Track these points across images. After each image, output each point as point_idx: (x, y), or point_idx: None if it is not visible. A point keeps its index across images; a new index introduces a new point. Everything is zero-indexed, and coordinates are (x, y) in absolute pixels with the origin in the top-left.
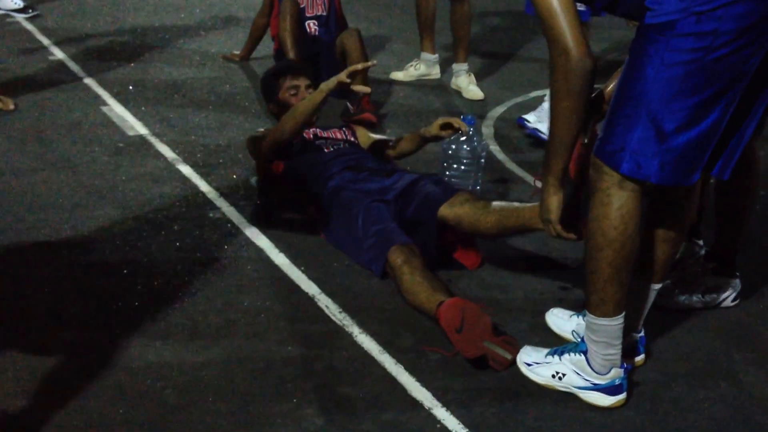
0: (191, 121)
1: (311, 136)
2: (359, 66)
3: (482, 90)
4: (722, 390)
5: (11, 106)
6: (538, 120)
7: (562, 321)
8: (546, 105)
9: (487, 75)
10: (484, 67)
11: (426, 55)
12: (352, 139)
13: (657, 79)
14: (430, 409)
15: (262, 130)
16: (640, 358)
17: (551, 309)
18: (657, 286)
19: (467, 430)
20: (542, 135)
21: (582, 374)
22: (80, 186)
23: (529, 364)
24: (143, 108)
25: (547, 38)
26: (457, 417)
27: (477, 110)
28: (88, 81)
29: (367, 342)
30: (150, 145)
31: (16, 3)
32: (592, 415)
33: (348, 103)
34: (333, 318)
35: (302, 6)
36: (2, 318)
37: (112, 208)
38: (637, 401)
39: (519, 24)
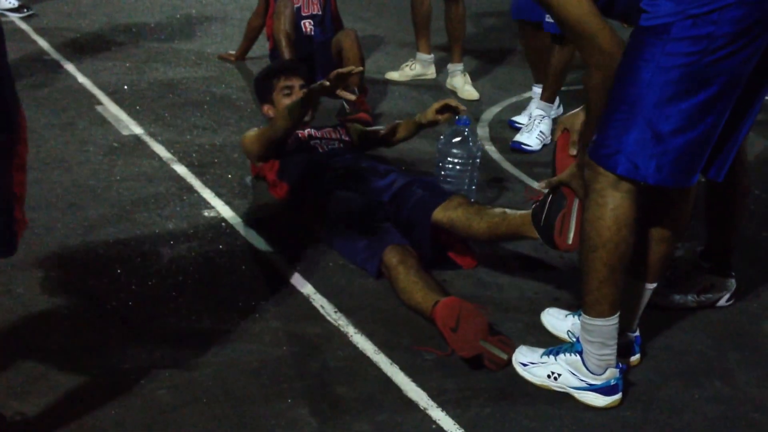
0: (186, 120)
1: (305, 135)
2: (343, 70)
3: (477, 90)
4: (717, 389)
5: None
6: (526, 130)
7: (557, 321)
8: (534, 111)
9: (483, 75)
10: (479, 68)
11: (421, 55)
12: (347, 138)
13: (653, 83)
14: (425, 409)
15: (257, 129)
16: (635, 358)
17: (546, 309)
18: (652, 286)
19: (462, 430)
20: (526, 148)
21: (577, 374)
22: (74, 185)
23: (524, 365)
24: (138, 107)
25: (580, 43)
26: (453, 417)
27: (472, 110)
28: (83, 80)
29: (362, 342)
30: (145, 145)
31: (10, 2)
32: (588, 415)
33: (344, 103)
34: (328, 318)
35: (298, 5)
36: None
37: (106, 207)
38: (632, 401)
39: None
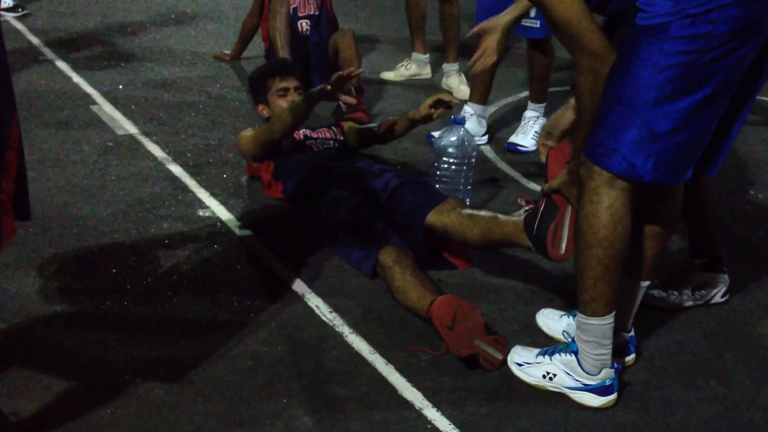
0: (181, 120)
1: (301, 136)
2: (344, 73)
3: None
4: (712, 389)
5: None
6: (521, 131)
7: (552, 322)
8: (527, 113)
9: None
10: None
11: (417, 55)
12: (342, 138)
13: (651, 82)
14: (420, 409)
15: (252, 129)
16: (630, 358)
17: (542, 310)
18: (645, 284)
19: (457, 430)
20: (521, 149)
21: (572, 374)
22: (69, 185)
23: (520, 365)
24: (133, 107)
25: (572, 45)
26: (448, 417)
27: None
28: (78, 80)
29: (357, 342)
30: (139, 145)
31: (5, 2)
32: (583, 415)
33: (340, 103)
34: (323, 318)
35: (294, 6)
36: None
37: (101, 207)
38: (627, 401)
39: None
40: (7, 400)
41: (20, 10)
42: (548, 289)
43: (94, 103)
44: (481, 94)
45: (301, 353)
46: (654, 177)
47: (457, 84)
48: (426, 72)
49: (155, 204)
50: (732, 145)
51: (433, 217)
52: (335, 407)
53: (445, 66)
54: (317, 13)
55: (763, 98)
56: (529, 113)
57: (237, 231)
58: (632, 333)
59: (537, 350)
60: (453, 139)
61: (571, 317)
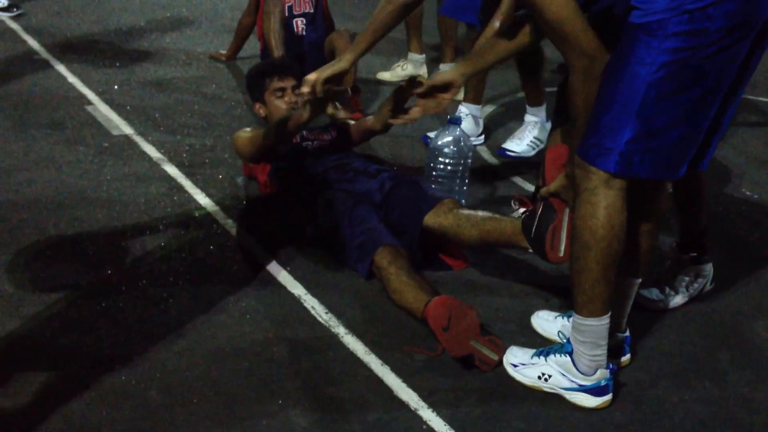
0: (177, 120)
1: (297, 138)
2: (339, 89)
3: None
4: (707, 390)
5: None
6: (517, 136)
7: (547, 323)
8: (527, 117)
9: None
10: None
11: (413, 56)
12: (338, 139)
13: (649, 80)
14: (416, 409)
15: (248, 129)
16: (625, 359)
17: (536, 312)
18: (638, 281)
19: (453, 430)
20: (511, 154)
21: (568, 375)
22: (64, 186)
23: (515, 365)
24: (128, 107)
25: (563, 45)
26: (443, 418)
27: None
28: (73, 80)
29: (353, 342)
30: (135, 145)
31: (0, 2)
32: (578, 415)
33: (337, 103)
34: (319, 318)
35: (289, 4)
36: None
37: (96, 208)
38: (622, 402)
39: None
40: (2, 400)
41: (15, 9)
42: (544, 290)
43: (89, 103)
44: (475, 93)
45: (296, 354)
46: (651, 173)
47: None
48: (422, 72)
49: (150, 204)
50: (731, 145)
51: (431, 219)
52: (331, 408)
53: (442, 66)
54: (312, 10)
55: (761, 99)
56: (528, 117)
57: (233, 232)
58: (627, 333)
59: (532, 351)
60: (449, 139)
61: (565, 318)
